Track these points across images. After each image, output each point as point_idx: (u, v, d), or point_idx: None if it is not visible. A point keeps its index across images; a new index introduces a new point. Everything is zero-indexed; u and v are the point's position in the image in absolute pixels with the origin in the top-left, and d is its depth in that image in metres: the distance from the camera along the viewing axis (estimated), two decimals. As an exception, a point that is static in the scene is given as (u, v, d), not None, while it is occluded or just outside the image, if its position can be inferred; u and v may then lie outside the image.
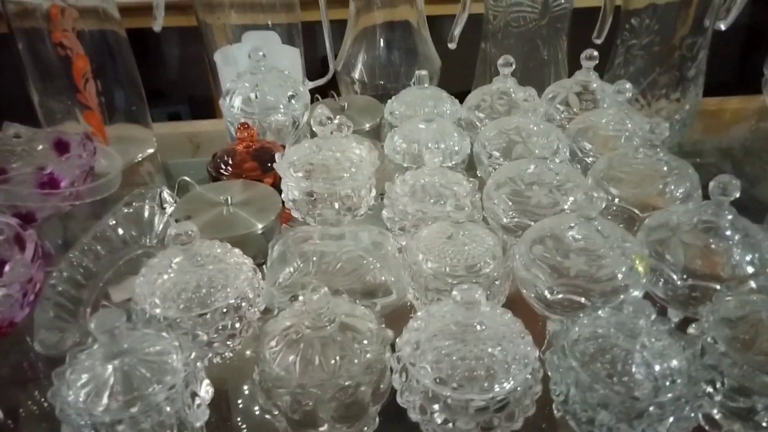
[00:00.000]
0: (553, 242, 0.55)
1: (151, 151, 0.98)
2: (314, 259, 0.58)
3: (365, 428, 0.50)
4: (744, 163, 1.00)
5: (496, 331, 0.46)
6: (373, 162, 0.68)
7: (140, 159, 0.96)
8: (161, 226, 0.72)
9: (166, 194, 0.72)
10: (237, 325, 0.55)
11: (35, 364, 0.61)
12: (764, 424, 0.45)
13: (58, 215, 0.81)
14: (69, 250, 0.66)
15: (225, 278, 0.54)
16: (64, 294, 0.64)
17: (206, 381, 0.47)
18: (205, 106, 1.79)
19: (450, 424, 0.45)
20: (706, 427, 0.48)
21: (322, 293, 0.46)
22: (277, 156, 0.68)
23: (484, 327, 0.46)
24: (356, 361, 0.45)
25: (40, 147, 0.85)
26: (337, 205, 0.66)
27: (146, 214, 0.72)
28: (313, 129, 0.67)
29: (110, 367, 0.43)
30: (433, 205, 0.65)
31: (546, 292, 0.54)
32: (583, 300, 0.53)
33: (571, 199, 0.63)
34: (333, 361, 0.45)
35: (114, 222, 0.72)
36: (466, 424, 0.45)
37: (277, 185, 0.70)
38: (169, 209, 0.72)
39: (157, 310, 0.53)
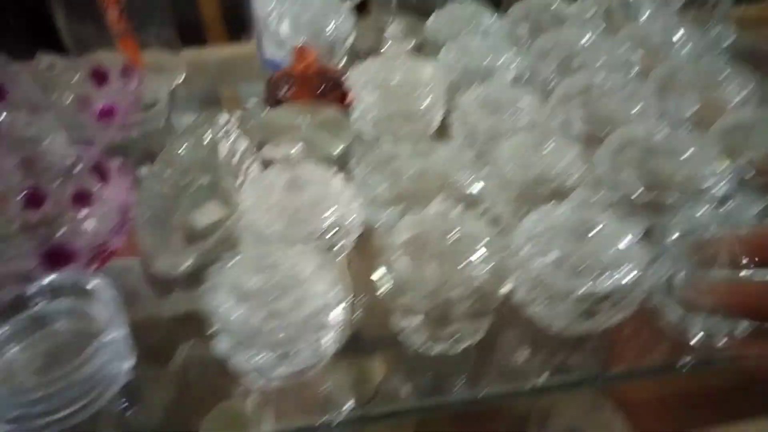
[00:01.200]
0: (637, 147, 0.58)
1: (181, 78, 0.95)
2: (406, 176, 0.60)
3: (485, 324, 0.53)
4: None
5: (608, 232, 0.49)
6: (443, 80, 0.68)
7: (174, 87, 0.94)
8: (227, 151, 0.72)
9: (229, 119, 0.72)
10: (342, 242, 0.57)
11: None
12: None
13: (108, 148, 0.79)
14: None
15: (326, 197, 0.56)
16: (153, 220, 0.65)
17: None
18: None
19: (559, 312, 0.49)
20: None
21: (442, 202, 0.49)
22: (346, 77, 0.68)
23: (598, 227, 0.49)
24: (483, 264, 0.49)
25: (77, 78, 0.82)
26: (410, 125, 0.68)
27: (208, 141, 0.72)
28: (385, 48, 0.67)
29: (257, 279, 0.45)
30: (504, 119, 0.67)
31: (634, 195, 0.57)
32: (670, 201, 0.56)
33: (640, 105, 0.66)
34: (464, 263, 0.48)
35: (179, 150, 0.71)
36: (572, 312, 0.49)
37: (345, 107, 0.71)
38: (234, 135, 0.71)
39: (267, 230, 0.54)
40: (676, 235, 0.51)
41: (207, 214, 0.70)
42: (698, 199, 0.55)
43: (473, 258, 0.48)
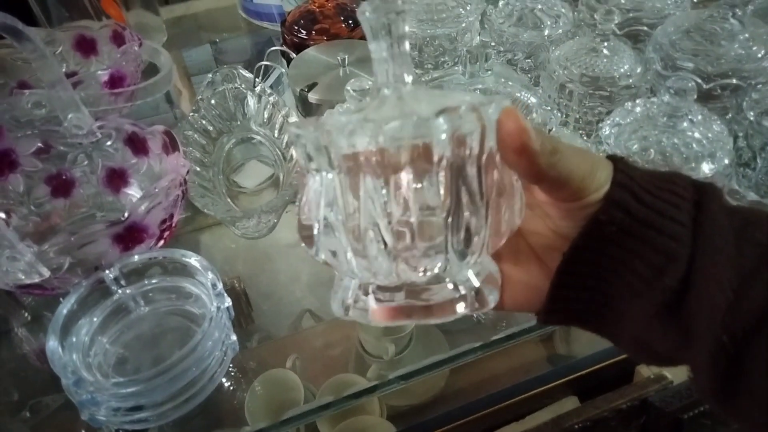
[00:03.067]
0: (696, 34, 0.58)
1: (164, 39, 0.88)
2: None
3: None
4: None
5: (700, 123, 0.49)
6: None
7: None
8: (254, 106, 0.67)
9: (245, 72, 0.67)
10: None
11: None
12: None
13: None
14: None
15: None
16: (201, 187, 0.60)
17: None
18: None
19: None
20: None
21: (546, 109, 0.47)
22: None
23: (691, 118, 0.49)
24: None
25: (60, 49, 0.74)
26: (451, 45, 0.65)
27: (231, 97, 0.67)
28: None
29: None
30: (534, 30, 0.65)
31: (701, 81, 0.57)
32: (735, 81, 0.57)
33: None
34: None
35: (203, 111, 0.66)
36: None
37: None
38: (259, 86, 0.67)
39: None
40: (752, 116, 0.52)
41: (253, 175, 0.66)
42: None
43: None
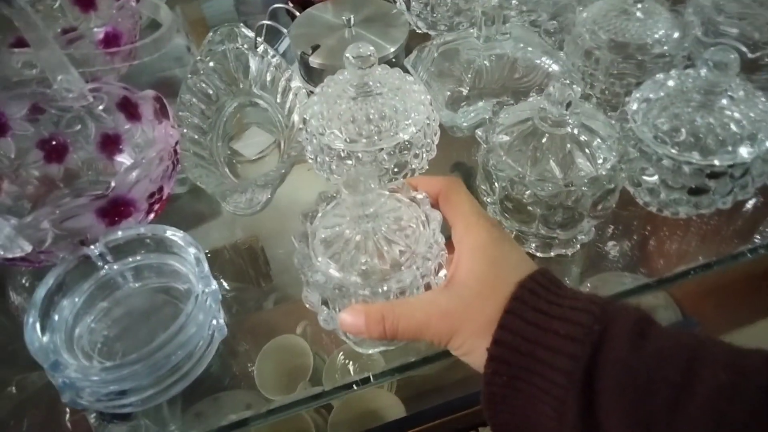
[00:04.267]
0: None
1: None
2: (485, 63, 0.53)
3: (580, 236, 0.49)
4: None
5: (741, 100, 0.44)
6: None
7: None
8: (256, 67, 0.63)
9: (247, 30, 0.63)
10: (421, 152, 0.50)
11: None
12: None
13: (116, 79, 0.70)
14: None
15: (404, 105, 0.48)
16: (198, 156, 0.57)
17: None
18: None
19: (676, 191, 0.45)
20: None
21: (561, 83, 0.42)
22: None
23: (730, 95, 0.43)
24: (610, 152, 0.43)
25: (58, 2, 0.71)
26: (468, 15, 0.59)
27: (232, 57, 0.63)
28: None
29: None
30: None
31: (745, 49, 0.51)
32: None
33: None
34: (590, 155, 0.43)
35: (203, 74, 0.62)
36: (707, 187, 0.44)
37: (387, -4, 0.61)
38: (261, 46, 0.62)
39: (339, 144, 0.47)
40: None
41: (254, 143, 0.63)
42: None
43: (603, 148, 0.43)
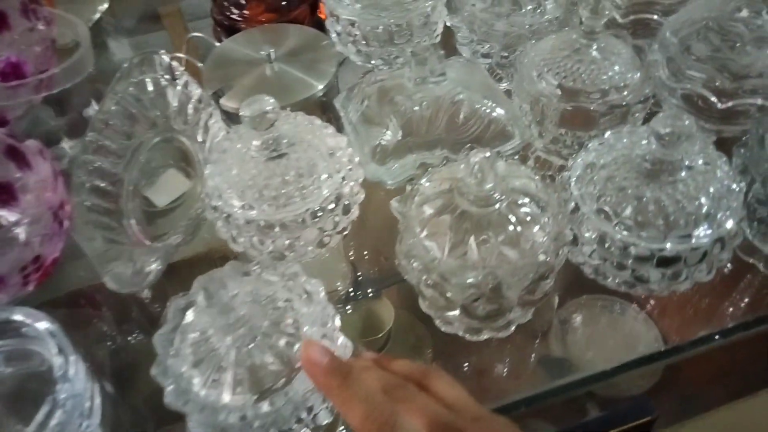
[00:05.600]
0: (716, 34, 0.44)
1: (105, 6, 0.77)
2: (416, 109, 0.46)
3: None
4: None
5: (700, 172, 0.37)
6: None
7: (96, 19, 0.75)
8: (177, 101, 0.56)
9: (168, 58, 0.56)
10: (337, 219, 0.43)
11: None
12: None
13: (31, 111, 0.63)
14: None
15: (314, 164, 0.42)
16: (97, 209, 0.51)
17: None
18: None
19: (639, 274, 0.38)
20: None
21: (484, 156, 0.35)
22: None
23: (687, 166, 0.37)
24: (542, 234, 0.36)
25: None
26: (408, 39, 0.52)
27: (151, 88, 0.57)
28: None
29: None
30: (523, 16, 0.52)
31: (714, 99, 0.44)
32: (760, 101, 0.44)
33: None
34: (517, 239, 0.36)
35: (114, 107, 0.56)
36: (654, 274, 0.38)
37: (320, 23, 0.55)
38: (182, 78, 0.56)
39: (237, 211, 0.41)
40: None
41: (165, 191, 0.57)
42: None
43: (534, 229, 0.36)
